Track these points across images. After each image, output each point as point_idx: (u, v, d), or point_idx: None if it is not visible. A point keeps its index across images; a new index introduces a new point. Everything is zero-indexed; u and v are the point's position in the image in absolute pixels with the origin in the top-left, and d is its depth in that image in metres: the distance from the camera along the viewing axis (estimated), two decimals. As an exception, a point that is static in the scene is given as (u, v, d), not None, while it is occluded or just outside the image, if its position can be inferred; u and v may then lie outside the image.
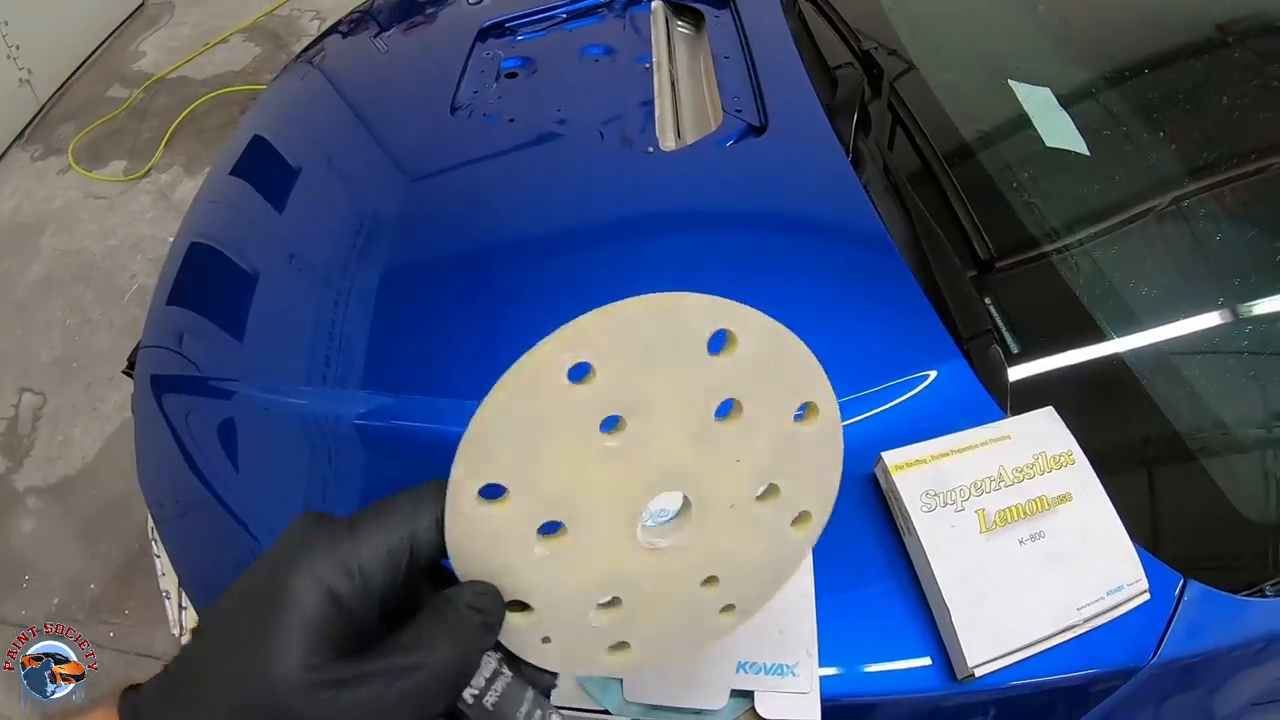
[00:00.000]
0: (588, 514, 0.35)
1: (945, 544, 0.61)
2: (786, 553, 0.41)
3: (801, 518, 0.40)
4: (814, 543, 0.41)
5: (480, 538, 0.34)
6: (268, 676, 0.29)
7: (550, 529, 0.35)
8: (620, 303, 0.32)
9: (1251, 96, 1.07)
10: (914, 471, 0.64)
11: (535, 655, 0.38)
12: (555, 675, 0.39)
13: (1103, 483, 0.67)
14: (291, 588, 0.31)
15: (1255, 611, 0.70)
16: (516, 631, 0.37)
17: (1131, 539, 0.65)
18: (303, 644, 0.30)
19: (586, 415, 0.33)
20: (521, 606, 0.36)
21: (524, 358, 0.32)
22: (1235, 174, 1.00)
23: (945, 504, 0.62)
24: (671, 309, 0.33)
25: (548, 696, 0.37)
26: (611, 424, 0.34)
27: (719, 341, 0.34)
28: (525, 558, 0.35)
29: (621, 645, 0.39)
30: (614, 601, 0.38)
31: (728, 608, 0.41)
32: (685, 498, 0.37)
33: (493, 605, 0.35)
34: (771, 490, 0.38)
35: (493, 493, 0.34)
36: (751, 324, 0.34)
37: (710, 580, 0.39)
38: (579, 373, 0.32)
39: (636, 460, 0.35)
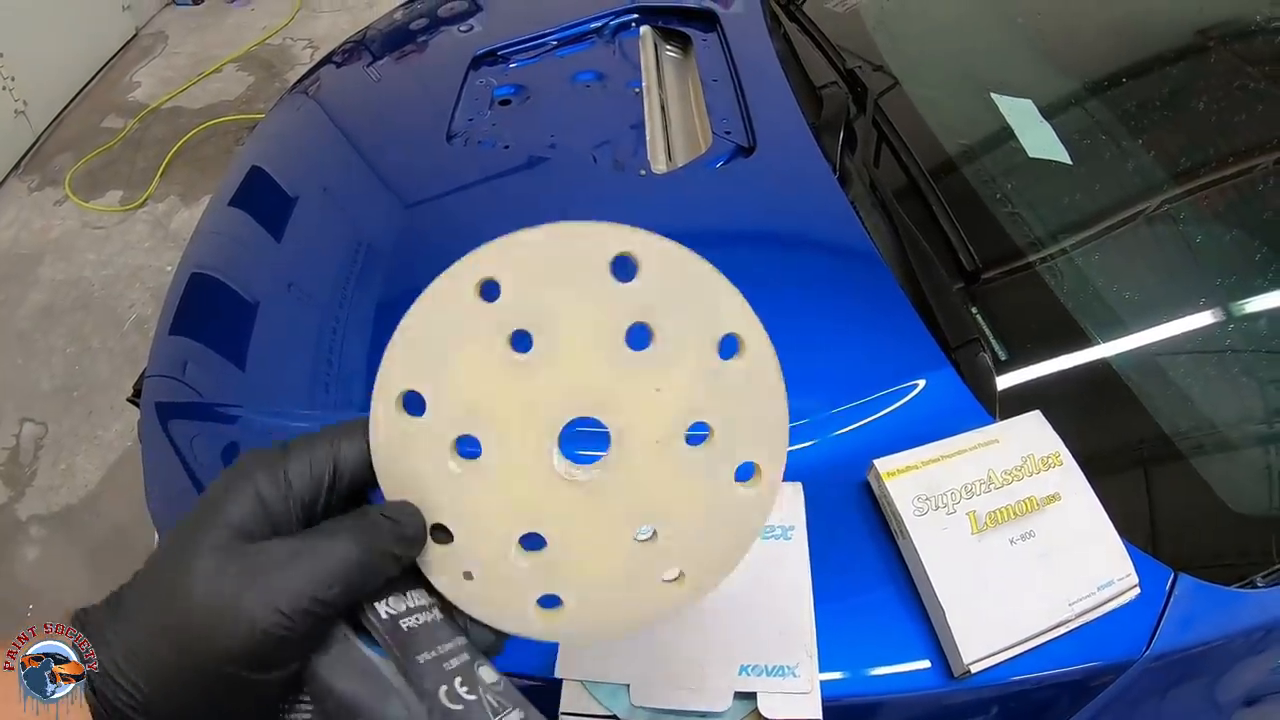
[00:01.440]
0: (502, 433, 0.36)
1: (938, 546, 0.63)
2: (736, 514, 0.38)
3: (751, 475, 0.38)
4: (769, 504, 0.38)
5: (399, 451, 0.36)
6: (186, 558, 0.32)
7: (471, 453, 0.36)
8: (527, 229, 0.35)
9: (1228, 100, 1.10)
10: (906, 477, 0.66)
11: (459, 594, 0.37)
12: (497, 636, 0.38)
13: (1091, 482, 0.69)
14: (221, 492, 0.34)
15: (1247, 603, 0.72)
16: (438, 560, 0.37)
17: (1122, 536, 0.67)
18: (221, 532, 0.33)
19: (493, 327, 0.35)
20: (444, 536, 0.37)
21: (441, 275, 0.35)
22: (1214, 178, 1.02)
23: (937, 507, 0.64)
24: (573, 234, 0.35)
25: (488, 656, 0.37)
26: (523, 343, 0.35)
27: (623, 267, 0.35)
28: (441, 474, 0.36)
29: (553, 603, 0.38)
30: (539, 544, 0.37)
31: (678, 577, 0.38)
32: (608, 433, 0.37)
33: (408, 518, 0.36)
34: (705, 433, 0.37)
35: (414, 408, 0.36)
36: (652, 248, 0.35)
37: (647, 536, 0.38)
38: (489, 291, 0.35)
39: (547, 379, 0.36)
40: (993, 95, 1.13)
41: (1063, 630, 0.63)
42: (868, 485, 0.69)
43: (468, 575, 0.37)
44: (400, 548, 0.35)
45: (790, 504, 0.66)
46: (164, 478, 0.90)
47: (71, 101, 2.96)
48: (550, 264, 0.35)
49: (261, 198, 1.16)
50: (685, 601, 0.38)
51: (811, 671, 0.58)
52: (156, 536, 0.90)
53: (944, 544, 0.63)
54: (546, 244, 0.35)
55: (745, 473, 0.38)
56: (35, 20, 2.74)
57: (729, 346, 0.36)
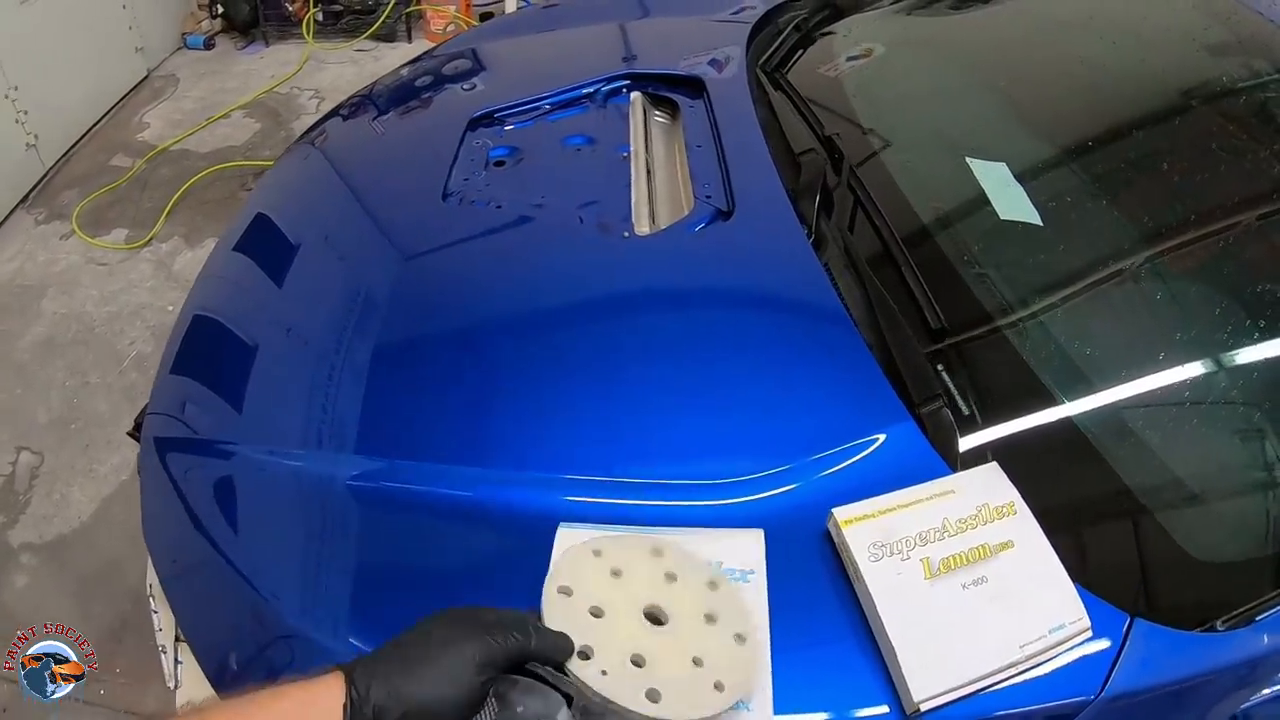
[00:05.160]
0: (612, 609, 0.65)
1: (891, 590, 0.67)
2: (741, 656, 0.64)
3: (740, 638, 0.65)
4: (757, 657, 0.65)
5: (560, 616, 0.63)
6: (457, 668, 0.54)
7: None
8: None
9: (1191, 164, 1.15)
10: (862, 525, 0.70)
11: (595, 682, 0.60)
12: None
13: (1052, 532, 0.73)
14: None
15: (1207, 646, 0.75)
16: (581, 668, 0.60)
17: (1081, 583, 0.71)
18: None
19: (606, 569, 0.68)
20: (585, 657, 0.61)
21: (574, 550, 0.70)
22: (1177, 240, 1.07)
23: (892, 554, 0.69)
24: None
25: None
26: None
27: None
28: (586, 624, 0.64)
29: (653, 694, 0.60)
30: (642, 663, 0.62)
31: (718, 685, 0.61)
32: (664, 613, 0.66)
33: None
34: (711, 617, 0.66)
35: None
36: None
37: (697, 660, 0.62)
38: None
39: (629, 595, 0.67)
40: (968, 159, 1.17)
41: (1014, 671, 0.67)
42: (829, 533, 0.73)
43: (604, 673, 0.60)
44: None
45: (751, 550, 0.71)
46: (160, 509, 0.94)
47: (82, 138, 3.04)
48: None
49: (265, 244, 1.22)
50: (725, 704, 0.61)
51: (766, 707, 0.62)
52: (150, 565, 0.93)
53: (897, 588, 0.67)
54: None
55: (740, 639, 0.65)
56: (51, 57, 2.82)
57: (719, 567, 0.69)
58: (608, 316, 0.96)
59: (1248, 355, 0.95)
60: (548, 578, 0.65)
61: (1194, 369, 0.94)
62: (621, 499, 0.78)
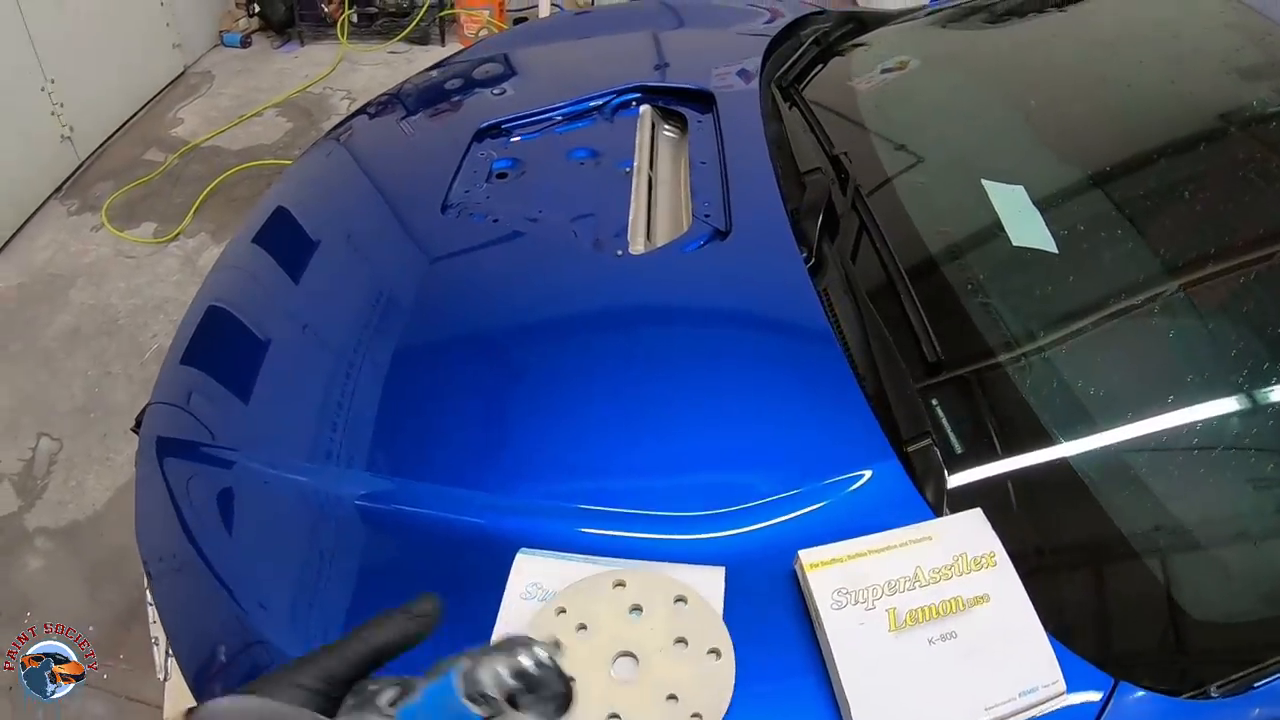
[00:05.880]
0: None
1: (851, 641, 0.65)
2: (716, 674, 0.64)
3: (714, 652, 0.65)
4: (732, 668, 0.65)
5: None
6: None
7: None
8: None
9: (1223, 195, 1.10)
10: (829, 570, 0.68)
11: None
12: None
13: (1032, 585, 0.69)
14: None
15: (1198, 715, 0.71)
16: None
17: (1059, 642, 0.68)
18: None
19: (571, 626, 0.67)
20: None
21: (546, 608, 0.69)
22: (1191, 276, 1.01)
23: (856, 602, 0.67)
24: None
25: None
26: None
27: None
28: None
29: None
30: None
31: (695, 716, 0.62)
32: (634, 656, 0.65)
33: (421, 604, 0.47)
34: (682, 639, 0.65)
35: None
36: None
37: (673, 696, 0.63)
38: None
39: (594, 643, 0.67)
40: (983, 181, 1.13)
41: (980, 735, 0.64)
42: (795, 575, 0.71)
43: None
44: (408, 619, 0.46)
45: (710, 588, 0.68)
46: (153, 511, 0.94)
47: (116, 132, 3.11)
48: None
49: (282, 239, 1.23)
50: None
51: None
52: (143, 568, 0.94)
53: (858, 639, 0.65)
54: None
55: (716, 654, 0.66)
56: (88, 51, 2.88)
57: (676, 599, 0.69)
58: (591, 338, 0.94)
59: (1262, 399, 0.90)
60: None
61: (1203, 413, 0.89)
62: (586, 528, 0.76)
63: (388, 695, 0.42)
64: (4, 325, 2.33)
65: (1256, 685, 0.73)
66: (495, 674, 0.39)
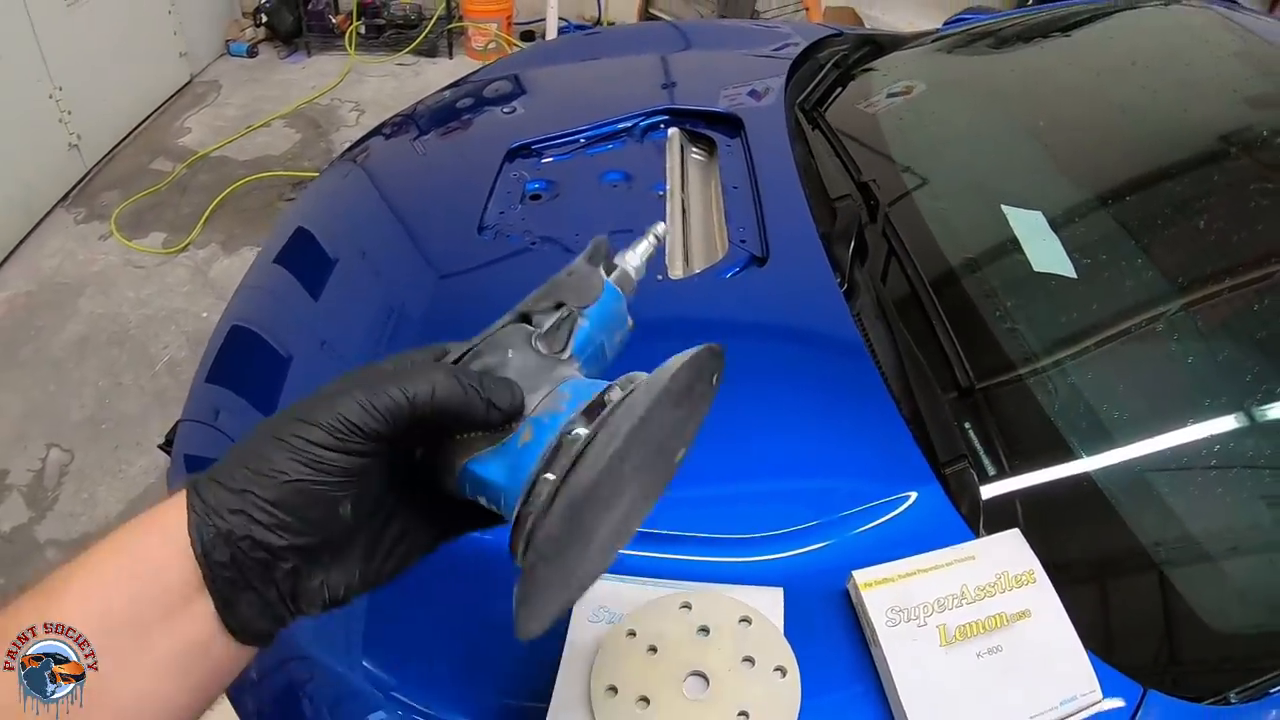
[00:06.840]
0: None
1: (907, 656, 0.68)
2: (784, 691, 0.66)
3: (779, 670, 0.67)
4: (798, 685, 0.66)
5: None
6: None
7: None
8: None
9: (1235, 214, 1.13)
10: (882, 589, 0.71)
11: None
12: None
13: (1070, 598, 0.73)
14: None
15: (1217, 719, 0.74)
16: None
17: (1093, 652, 0.71)
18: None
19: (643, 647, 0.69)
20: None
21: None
22: (1214, 299, 1.05)
23: (909, 619, 0.69)
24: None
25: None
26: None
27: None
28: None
29: None
30: None
31: None
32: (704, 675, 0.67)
33: (503, 389, 0.45)
34: (750, 659, 0.67)
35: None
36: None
37: (744, 714, 0.64)
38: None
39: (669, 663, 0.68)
40: (1003, 207, 1.16)
41: (1024, 743, 0.67)
42: (848, 594, 0.74)
43: None
44: (485, 406, 0.43)
45: (770, 609, 0.71)
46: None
47: (123, 140, 3.11)
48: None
49: (304, 259, 1.24)
50: None
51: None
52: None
53: (913, 654, 0.68)
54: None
55: (781, 672, 0.68)
56: (95, 59, 2.90)
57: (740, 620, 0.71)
58: (638, 364, 0.96)
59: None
60: (593, 675, 0.66)
61: (1223, 431, 0.92)
62: (644, 551, 0.78)
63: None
64: (13, 333, 2.33)
65: (1273, 691, 0.77)
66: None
